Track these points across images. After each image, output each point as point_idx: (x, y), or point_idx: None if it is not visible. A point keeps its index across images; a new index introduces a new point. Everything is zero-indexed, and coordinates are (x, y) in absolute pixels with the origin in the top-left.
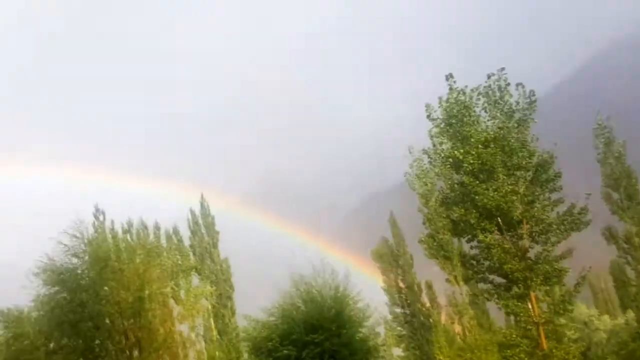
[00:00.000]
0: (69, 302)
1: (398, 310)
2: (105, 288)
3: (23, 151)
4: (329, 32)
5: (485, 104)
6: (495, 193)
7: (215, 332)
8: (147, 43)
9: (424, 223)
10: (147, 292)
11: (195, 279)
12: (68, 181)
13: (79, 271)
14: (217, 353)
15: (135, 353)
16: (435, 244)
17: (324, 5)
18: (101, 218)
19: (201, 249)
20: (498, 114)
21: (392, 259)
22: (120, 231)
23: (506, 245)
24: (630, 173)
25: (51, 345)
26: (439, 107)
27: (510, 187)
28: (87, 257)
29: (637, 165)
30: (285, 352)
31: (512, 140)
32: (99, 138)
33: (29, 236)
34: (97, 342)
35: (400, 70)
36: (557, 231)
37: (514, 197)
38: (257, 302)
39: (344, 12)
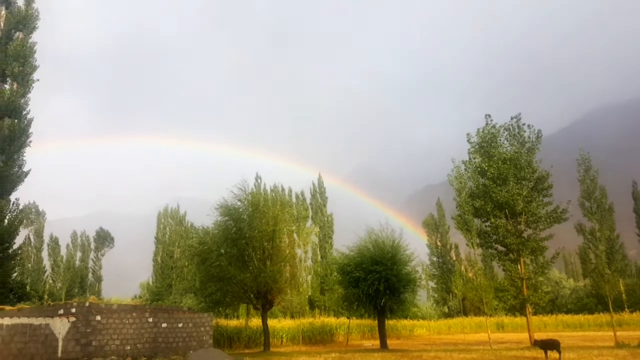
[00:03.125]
0: (233, 227)
1: (434, 258)
2: (255, 222)
3: (218, 134)
4: (409, 77)
5: (507, 136)
6: (506, 193)
7: (319, 256)
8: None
9: (456, 207)
10: (279, 227)
11: (309, 222)
12: (242, 156)
13: (241, 210)
14: (318, 269)
15: (268, 262)
16: (462, 221)
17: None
18: (259, 181)
19: (316, 206)
20: (515, 143)
21: (434, 227)
22: (269, 190)
23: (509, 227)
24: (603, 190)
25: (221, 250)
26: (476, 135)
27: (516, 190)
28: (247, 202)
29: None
30: (357, 274)
31: (522, 161)
32: (261, 131)
33: (216, 187)
34: (246, 252)
35: (453, 103)
36: (545, 222)
37: (518, 197)
38: (345, 242)
39: (413, 69)
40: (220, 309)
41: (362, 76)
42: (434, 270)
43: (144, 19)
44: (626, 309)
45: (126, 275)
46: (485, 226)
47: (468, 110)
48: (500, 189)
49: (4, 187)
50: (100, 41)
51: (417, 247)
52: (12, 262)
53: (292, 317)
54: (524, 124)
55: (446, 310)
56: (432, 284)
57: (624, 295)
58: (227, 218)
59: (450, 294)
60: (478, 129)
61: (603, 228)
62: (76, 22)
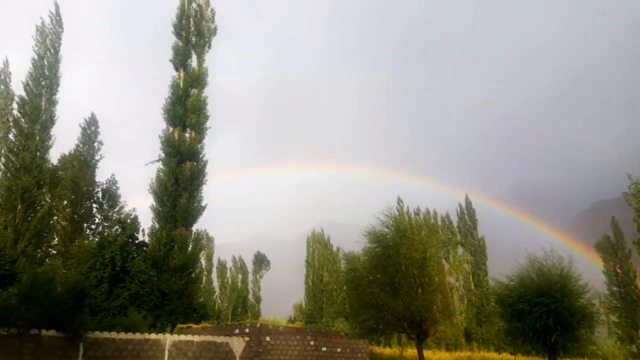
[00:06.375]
0: (381, 254)
1: (615, 288)
2: (403, 249)
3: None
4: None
5: None
6: None
7: (472, 285)
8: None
9: (638, 230)
10: (428, 254)
11: (460, 249)
12: (381, 179)
13: (388, 236)
14: (473, 298)
15: (419, 290)
16: None
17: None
18: (401, 204)
19: (465, 230)
20: None
21: (612, 251)
22: (412, 212)
23: None
24: None
25: (370, 277)
26: None
27: None
28: (392, 228)
29: None
30: (520, 306)
31: None
32: (400, 152)
33: (359, 213)
34: (396, 279)
35: (619, 106)
36: None
37: None
38: (502, 269)
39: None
40: (374, 336)
41: (507, 85)
42: (614, 301)
43: (280, 58)
44: None
45: (279, 296)
46: None
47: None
48: None
49: (187, 220)
50: (246, 87)
51: (590, 273)
52: (195, 285)
53: (447, 349)
54: None
55: (634, 349)
56: (613, 318)
57: None
58: (375, 245)
59: (638, 330)
60: None
61: None
62: (223, 74)
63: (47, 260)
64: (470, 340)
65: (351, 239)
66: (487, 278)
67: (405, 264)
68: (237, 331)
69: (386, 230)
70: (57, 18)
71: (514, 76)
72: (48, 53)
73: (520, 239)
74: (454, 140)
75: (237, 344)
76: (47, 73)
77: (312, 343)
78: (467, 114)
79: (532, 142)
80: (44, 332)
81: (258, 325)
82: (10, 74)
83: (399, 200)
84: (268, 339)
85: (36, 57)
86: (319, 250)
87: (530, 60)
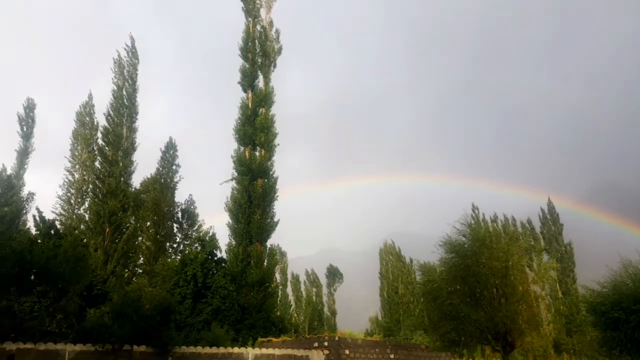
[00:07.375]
0: (459, 264)
1: None
2: (482, 258)
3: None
4: None
5: None
6: None
7: (560, 293)
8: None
9: None
10: (510, 262)
11: (545, 256)
12: (452, 187)
13: (466, 246)
14: (561, 307)
15: (502, 301)
16: None
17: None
18: (476, 212)
19: (549, 236)
20: None
21: None
22: (488, 220)
23: None
24: None
25: (449, 288)
26: None
27: None
28: (470, 237)
29: None
30: (615, 315)
31: None
32: (472, 157)
33: (437, 222)
34: (477, 290)
35: None
36: None
37: None
38: (592, 275)
39: None
40: (457, 349)
41: (588, 85)
42: None
43: (347, 67)
44: None
45: (353, 309)
46: None
47: None
48: None
49: (262, 236)
50: (313, 99)
51: None
52: (272, 299)
53: None
54: None
55: None
56: None
57: None
58: (452, 255)
59: None
60: None
61: None
62: (290, 90)
63: (134, 279)
64: (560, 352)
65: (424, 250)
66: (575, 285)
67: (486, 274)
68: (316, 344)
69: (463, 239)
70: (133, 50)
71: (596, 74)
72: (126, 84)
73: (611, 243)
74: (530, 143)
75: (317, 357)
76: (126, 103)
77: (392, 356)
78: (541, 116)
79: (616, 141)
80: (135, 347)
81: (337, 338)
82: (93, 105)
83: (474, 208)
84: (347, 352)
85: (115, 88)
86: (392, 262)
87: (613, 55)
